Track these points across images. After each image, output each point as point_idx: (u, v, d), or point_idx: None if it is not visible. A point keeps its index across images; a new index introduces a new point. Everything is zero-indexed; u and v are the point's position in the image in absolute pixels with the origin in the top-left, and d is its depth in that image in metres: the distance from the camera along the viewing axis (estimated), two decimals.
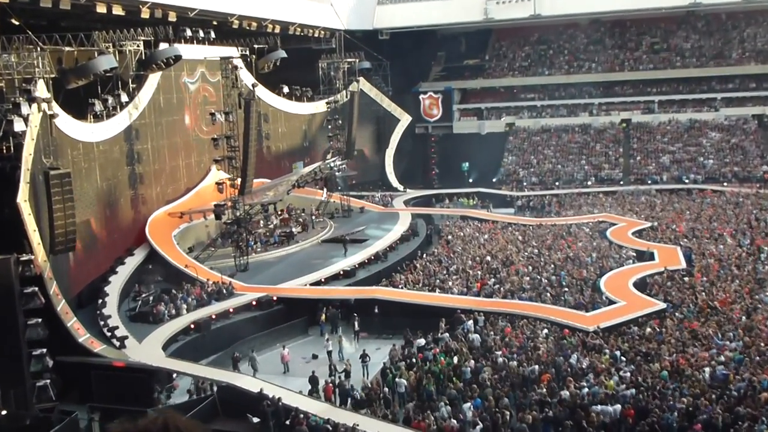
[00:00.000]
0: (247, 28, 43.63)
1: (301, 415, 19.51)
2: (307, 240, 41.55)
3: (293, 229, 42.23)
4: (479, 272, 33.27)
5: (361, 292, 31.73)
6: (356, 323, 29.22)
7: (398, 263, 36.33)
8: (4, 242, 22.08)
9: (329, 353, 26.89)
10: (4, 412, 20.12)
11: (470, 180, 59.65)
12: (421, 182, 62.56)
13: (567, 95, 64.75)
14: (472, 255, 36.73)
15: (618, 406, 19.08)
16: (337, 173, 48.51)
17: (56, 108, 27.29)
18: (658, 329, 24.47)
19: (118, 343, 25.67)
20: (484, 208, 52.38)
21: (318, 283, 33.12)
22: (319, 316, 30.61)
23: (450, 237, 41.57)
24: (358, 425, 18.34)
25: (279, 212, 44.69)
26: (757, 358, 20.91)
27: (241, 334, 28.61)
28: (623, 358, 22.33)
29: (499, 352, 23.50)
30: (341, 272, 34.24)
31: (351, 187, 53.57)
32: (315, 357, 28.01)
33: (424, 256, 37.75)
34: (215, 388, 22.58)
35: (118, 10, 32.72)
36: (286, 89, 50.82)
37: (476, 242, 39.75)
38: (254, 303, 30.60)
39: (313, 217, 46.23)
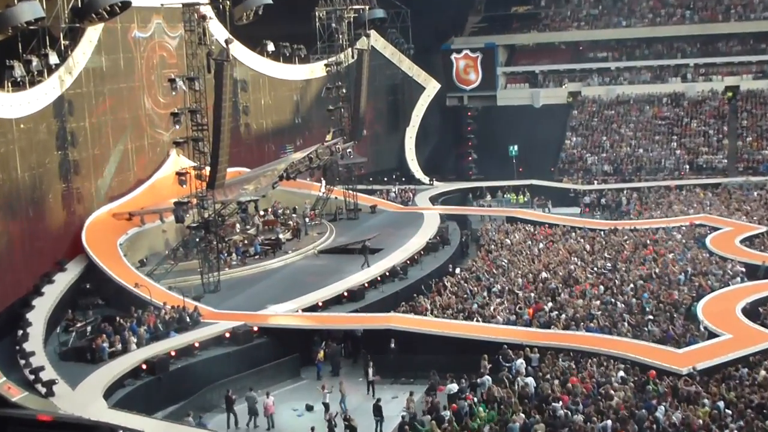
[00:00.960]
0: None
1: None
2: (299, 250, 41.91)
3: (280, 236, 42.71)
4: (532, 294, 33.52)
5: (372, 320, 32.01)
6: (369, 367, 29.04)
7: (422, 281, 36.68)
8: None
9: (326, 406, 26.70)
10: None
11: (520, 169, 60.21)
12: (454, 172, 63.67)
13: (652, 54, 65.63)
14: (523, 271, 37.07)
15: None
16: (339, 160, 48.87)
17: None
18: None
19: (44, 390, 25.56)
20: (540, 208, 53.22)
21: (314, 308, 33.40)
22: (315, 353, 30.86)
23: (492, 246, 41.97)
24: None
25: (262, 213, 45.30)
26: None
27: (210, 376, 28.65)
28: (728, 411, 22.21)
29: (560, 403, 23.41)
30: (345, 294, 34.33)
31: (359, 179, 53.69)
32: (309, 409, 28.06)
33: (458, 271, 38.24)
34: None
35: None
36: (271, 47, 51.44)
37: (528, 253, 40.19)
38: (228, 335, 30.75)
39: (308, 220, 46.67)
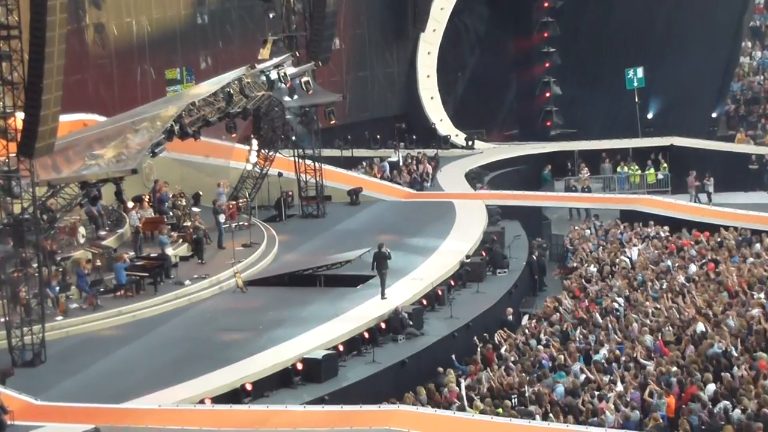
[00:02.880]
0: None
1: None
2: (206, 279, 31.43)
3: (168, 251, 32.69)
4: (673, 368, 23.87)
5: (355, 421, 22.55)
6: None
7: (453, 341, 27.16)
8: None
9: None
10: None
11: (649, 116, 50.45)
12: (514, 123, 53.15)
13: None
14: (657, 321, 27.35)
15: None
16: (287, 101, 36.66)
17: None
18: None
19: None
20: (697, 194, 42.21)
21: (236, 395, 24.32)
22: None
23: (593, 271, 32.21)
24: None
25: (133, 204, 35.36)
26: None
27: None
28: None
29: None
30: (298, 368, 24.98)
31: (326, 137, 43.14)
32: None
33: (524, 321, 29.47)
34: None
35: None
36: None
37: (667, 286, 30.18)
38: None
39: (223, 218, 35.19)
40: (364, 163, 44.61)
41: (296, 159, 39.56)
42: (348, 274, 30.62)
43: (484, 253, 33.43)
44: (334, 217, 39.29)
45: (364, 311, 27.74)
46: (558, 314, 28.38)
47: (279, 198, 39.32)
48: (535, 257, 34.93)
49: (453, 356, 26.05)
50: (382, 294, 28.46)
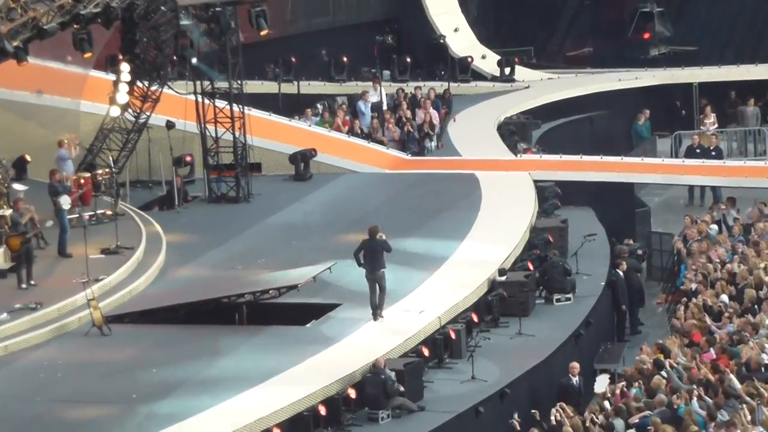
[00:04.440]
0: None
1: None
2: (36, 316, 26.34)
3: None
4: None
5: None
6: None
7: (475, 423, 22.88)
8: None
9: None
10: None
11: None
12: (588, 38, 44.48)
13: None
14: None
15: None
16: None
17: None
18: None
19: None
20: None
21: None
22: None
23: (724, 297, 26.96)
24: None
25: None
26: None
27: None
28: None
29: None
30: None
31: (255, 56, 36.68)
32: None
33: (603, 383, 24.12)
34: None
35: None
36: None
37: None
38: None
39: (66, 206, 29.07)
40: (320, 107, 36.52)
41: (199, 99, 31.03)
42: (291, 303, 24.77)
43: (531, 266, 26.61)
44: (266, 202, 31.90)
45: (319, 366, 22.09)
46: (662, 376, 21.99)
47: (170, 167, 31.54)
48: (622, 273, 27.44)
49: None
50: (375, 313, 23.53)
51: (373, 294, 23.20)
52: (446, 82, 38.47)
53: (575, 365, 22.21)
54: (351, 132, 34.70)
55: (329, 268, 24.53)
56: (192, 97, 30.88)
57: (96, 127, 31.16)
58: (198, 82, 30.99)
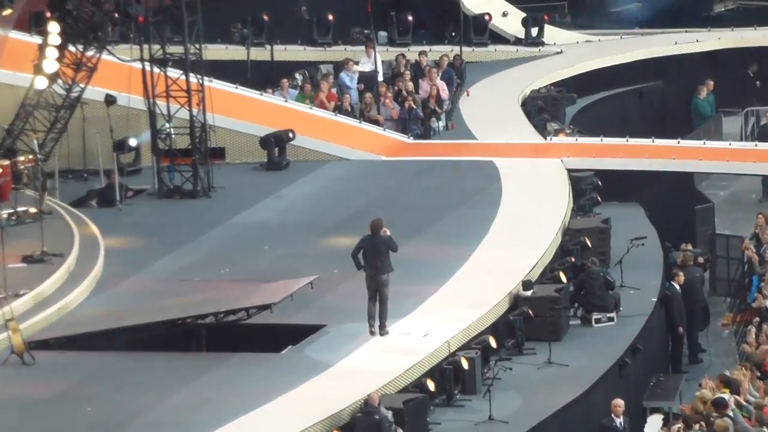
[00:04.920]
0: None
1: None
2: None
3: None
4: None
5: None
6: None
7: None
8: None
9: None
10: None
11: None
12: None
13: None
14: None
15: None
16: None
17: None
18: None
19: None
20: None
21: None
22: None
23: None
24: None
25: None
26: None
27: None
28: None
29: None
30: None
31: (216, 15, 34.74)
32: None
33: (655, 425, 24.05)
34: None
35: None
36: None
37: None
38: None
39: None
40: (300, 77, 34.41)
41: (147, 67, 29.16)
42: (263, 325, 22.26)
43: (564, 278, 24.81)
44: (231, 198, 30.00)
45: (297, 404, 19.95)
46: (728, 416, 20.65)
47: (110, 154, 29.89)
48: (678, 286, 25.63)
49: None
50: (377, 326, 21.84)
51: (372, 303, 21.11)
52: (458, 47, 35.47)
53: (619, 403, 20.08)
54: (338, 109, 31.60)
55: (311, 283, 22.08)
56: (138, 64, 28.29)
57: (17, 103, 28.53)
58: (146, 46, 28.22)
